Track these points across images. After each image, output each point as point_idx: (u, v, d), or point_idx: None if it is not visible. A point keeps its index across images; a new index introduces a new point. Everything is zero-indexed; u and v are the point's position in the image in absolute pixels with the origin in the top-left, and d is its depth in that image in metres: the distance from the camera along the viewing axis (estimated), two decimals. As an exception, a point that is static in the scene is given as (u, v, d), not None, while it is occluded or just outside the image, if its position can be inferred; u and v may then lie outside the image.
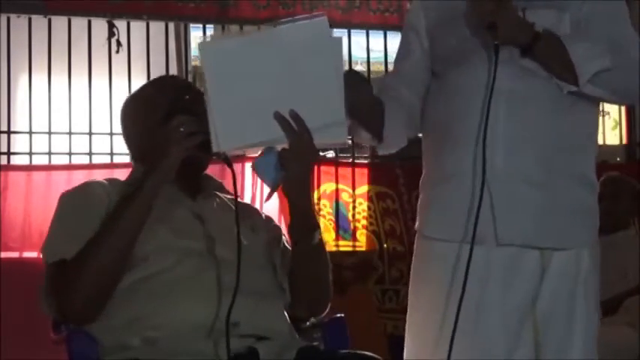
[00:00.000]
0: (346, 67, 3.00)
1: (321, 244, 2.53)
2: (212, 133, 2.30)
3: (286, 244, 2.60)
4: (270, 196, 2.50)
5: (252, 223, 2.58)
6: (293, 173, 2.39)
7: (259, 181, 5.74)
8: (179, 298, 2.32)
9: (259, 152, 2.41)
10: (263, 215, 2.69)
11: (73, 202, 2.47)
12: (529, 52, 2.60)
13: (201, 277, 2.35)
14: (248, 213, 2.63)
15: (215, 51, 2.34)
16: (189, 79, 6.21)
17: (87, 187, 2.51)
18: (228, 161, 2.38)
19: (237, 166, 5.64)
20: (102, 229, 2.32)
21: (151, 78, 5.72)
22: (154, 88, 2.66)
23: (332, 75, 2.36)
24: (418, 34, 2.83)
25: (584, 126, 2.74)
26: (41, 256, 2.41)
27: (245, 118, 2.33)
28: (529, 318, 2.65)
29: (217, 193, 2.59)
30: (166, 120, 2.38)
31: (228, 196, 2.62)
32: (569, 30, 2.65)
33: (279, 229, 2.65)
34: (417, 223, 2.84)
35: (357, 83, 2.59)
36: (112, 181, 2.54)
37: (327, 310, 2.62)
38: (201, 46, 2.34)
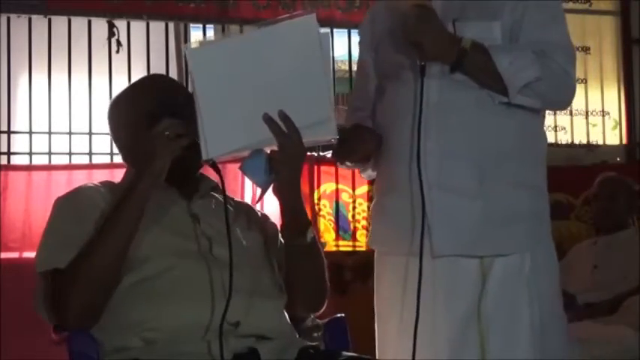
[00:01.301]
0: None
1: (314, 242, 2.52)
2: (201, 139, 2.30)
3: (282, 243, 2.60)
4: (260, 198, 2.51)
5: (248, 223, 2.58)
6: (283, 175, 2.40)
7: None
8: (178, 300, 2.32)
9: (247, 154, 2.40)
10: (259, 213, 2.69)
11: (66, 208, 2.46)
12: (457, 68, 2.63)
13: (200, 278, 2.35)
14: (244, 212, 2.63)
15: (202, 56, 2.33)
16: (190, 79, 6.21)
17: (80, 193, 2.49)
18: (215, 167, 2.38)
19: (236, 167, 5.65)
20: (94, 236, 2.32)
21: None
22: (135, 90, 2.64)
23: (320, 71, 2.35)
24: (367, 47, 2.88)
25: (521, 130, 2.75)
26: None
27: (233, 122, 2.32)
28: (473, 325, 2.66)
29: (213, 193, 2.59)
30: (152, 123, 2.37)
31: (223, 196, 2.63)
32: (501, 38, 2.68)
33: (275, 227, 2.65)
34: (369, 236, 2.94)
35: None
36: (107, 185, 2.53)
37: (325, 307, 2.62)
38: (189, 51, 2.33)
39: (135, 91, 2.64)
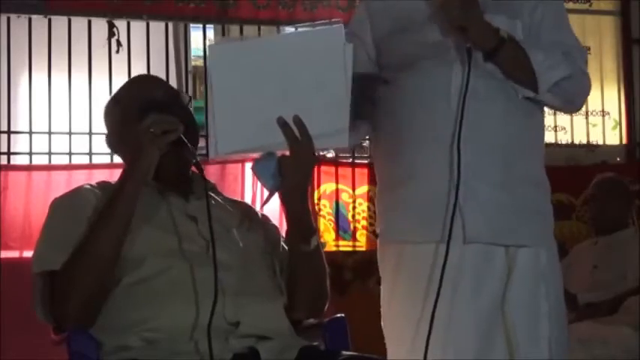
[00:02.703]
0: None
1: (318, 249, 2.52)
2: (211, 136, 2.30)
3: (284, 246, 2.60)
4: (267, 201, 2.50)
5: (247, 224, 2.58)
6: (292, 180, 2.40)
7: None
8: (176, 300, 2.31)
9: (259, 155, 2.40)
10: (259, 214, 2.69)
11: (62, 209, 2.46)
12: (492, 57, 2.63)
13: (197, 278, 2.35)
14: (244, 213, 2.62)
15: (223, 53, 2.34)
16: (190, 79, 6.23)
17: (77, 194, 2.49)
18: (198, 165, 2.40)
19: (236, 167, 5.67)
20: (86, 236, 2.31)
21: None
22: (123, 90, 2.65)
23: (341, 82, 2.36)
24: (364, 43, 2.84)
25: (533, 128, 2.80)
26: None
27: (246, 122, 2.32)
28: (499, 317, 2.67)
29: (211, 194, 2.58)
30: (139, 121, 2.36)
31: (222, 197, 2.63)
32: (522, 37, 2.69)
33: (277, 229, 2.65)
34: (380, 225, 2.86)
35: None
36: (103, 186, 2.52)
37: (325, 311, 2.62)
38: (211, 47, 2.33)
39: (122, 90, 2.64)
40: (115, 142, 2.60)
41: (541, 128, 2.86)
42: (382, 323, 2.84)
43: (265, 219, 2.67)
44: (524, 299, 2.69)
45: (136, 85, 2.66)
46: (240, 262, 2.39)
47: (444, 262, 2.55)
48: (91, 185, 2.52)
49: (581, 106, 2.92)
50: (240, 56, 2.33)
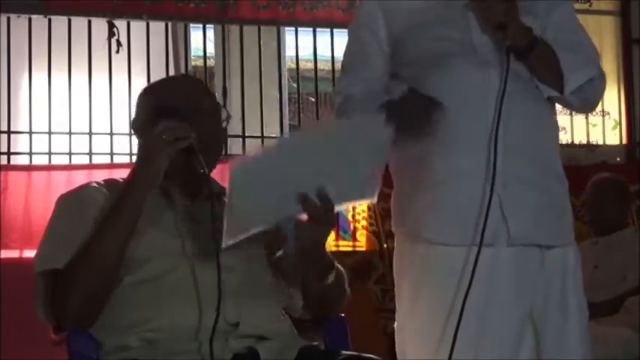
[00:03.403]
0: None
1: (336, 280, 2.53)
2: (224, 226, 2.27)
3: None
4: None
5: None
6: (309, 246, 2.42)
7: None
8: (178, 301, 2.32)
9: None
10: None
11: (67, 207, 2.46)
12: (524, 56, 2.62)
13: (200, 279, 2.35)
14: None
15: (244, 171, 2.30)
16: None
17: (83, 192, 2.49)
18: (206, 176, 2.39)
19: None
20: (91, 237, 2.31)
21: (151, 78, 5.75)
22: (145, 90, 2.64)
23: (375, 160, 2.39)
24: (377, 38, 2.82)
25: (555, 127, 2.81)
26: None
27: (261, 203, 2.29)
28: (529, 316, 2.67)
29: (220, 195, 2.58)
30: (153, 124, 2.37)
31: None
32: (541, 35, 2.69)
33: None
34: (406, 226, 2.80)
35: None
36: (109, 183, 2.52)
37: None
38: (233, 171, 2.28)
39: (145, 90, 2.64)
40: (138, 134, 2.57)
41: (557, 127, 2.86)
42: (397, 323, 2.82)
43: None
44: (553, 297, 2.69)
45: (190, 87, 2.61)
46: (242, 264, 2.40)
47: (474, 264, 2.54)
48: (98, 183, 2.51)
49: (596, 107, 2.93)
50: (263, 167, 2.31)
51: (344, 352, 2.44)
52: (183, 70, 6.21)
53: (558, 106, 2.84)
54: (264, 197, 2.28)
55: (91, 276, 2.28)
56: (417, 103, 2.61)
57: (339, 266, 2.55)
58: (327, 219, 2.35)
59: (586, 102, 2.79)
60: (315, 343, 2.47)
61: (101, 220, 2.32)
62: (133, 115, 2.61)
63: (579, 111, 2.96)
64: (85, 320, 2.32)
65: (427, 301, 2.73)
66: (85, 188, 2.51)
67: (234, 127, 6.34)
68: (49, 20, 5.84)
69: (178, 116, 2.39)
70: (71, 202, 2.46)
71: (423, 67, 2.73)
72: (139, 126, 2.54)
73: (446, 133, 2.67)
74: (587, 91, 2.72)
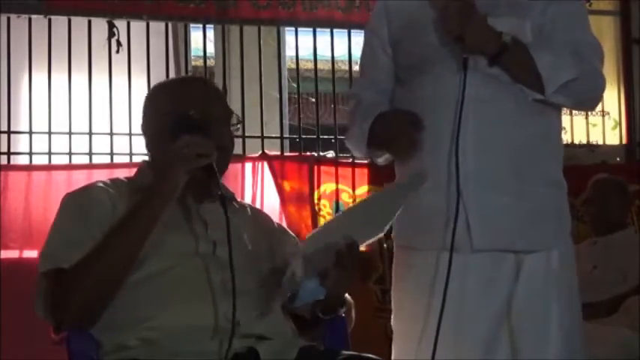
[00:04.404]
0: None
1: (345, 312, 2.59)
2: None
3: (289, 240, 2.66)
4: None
5: (255, 229, 2.58)
6: (337, 292, 2.47)
7: (259, 181, 5.76)
8: (177, 299, 2.32)
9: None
10: (276, 224, 2.72)
11: (74, 207, 2.45)
12: (496, 62, 2.63)
13: (200, 278, 2.35)
14: (254, 217, 2.64)
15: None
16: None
17: (90, 192, 2.48)
18: (222, 197, 2.36)
19: (237, 167, 5.67)
20: (103, 243, 2.30)
21: (151, 78, 5.75)
22: (168, 94, 2.59)
23: (400, 203, 2.54)
24: (381, 40, 2.85)
25: (548, 128, 2.77)
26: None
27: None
28: (505, 321, 2.67)
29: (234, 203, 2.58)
30: (174, 136, 2.34)
31: (239, 203, 2.65)
32: (531, 37, 2.68)
33: (295, 240, 2.68)
34: (395, 232, 2.86)
35: None
36: (116, 183, 2.52)
37: None
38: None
39: (167, 94, 2.59)
40: (150, 145, 2.58)
41: (556, 127, 2.84)
42: (392, 323, 2.85)
43: (281, 230, 2.71)
44: (532, 305, 2.68)
45: (201, 90, 2.58)
46: (244, 264, 2.39)
47: (447, 270, 2.55)
48: (104, 183, 2.51)
49: (597, 105, 2.90)
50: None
51: (344, 352, 2.44)
52: (183, 71, 6.21)
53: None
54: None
55: (98, 280, 2.28)
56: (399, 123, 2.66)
57: (349, 298, 2.58)
58: (355, 266, 2.44)
59: (578, 101, 2.77)
60: (315, 343, 2.48)
61: (116, 227, 2.31)
62: (140, 116, 2.61)
63: (576, 109, 2.95)
64: (86, 322, 2.32)
65: (405, 304, 2.79)
66: (91, 188, 2.51)
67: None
68: (49, 20, 5.83)
69: (192, 125, 2.37)
70: (77, 201, 2.46)
71: (410, 72, 2.78)
72: (153, 134, 2.54)
73: (419, 139, 2.70)
74: (577, 91, 2.69)
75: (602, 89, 2.80)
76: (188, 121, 2.42)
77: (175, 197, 2.34)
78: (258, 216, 2.70)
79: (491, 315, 2.66)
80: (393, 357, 2.79)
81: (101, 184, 2.51)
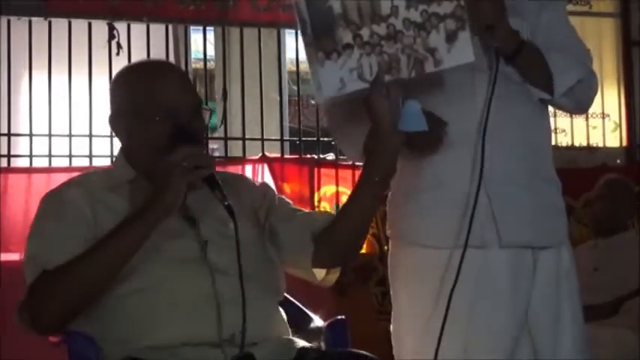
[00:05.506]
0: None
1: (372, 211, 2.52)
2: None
3: (285, 204, 2.61)
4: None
5: (244, 212, 2.48)
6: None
7: (259, 176, 5.75)
8: (173, 314, 2.29)
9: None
10: (256, 184, 2.67)
11: (54, 208, 2.40)
12: (513, 59, 2.63)
13: (195, 288, 2.31)
14: (239, 194, 2.52)
15: None
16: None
17: (67, 193, 2.42)
18: (229, 208, 2.31)
19: (237, 169, 5.67)
20: (91, 251, 2.26)
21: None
22: (142, 76, 2.51)
23: None
24: None
25: (546, 129, 2.81)
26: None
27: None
28: (525, 319, 2.67)
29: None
30: (170, 146, 2.29)
31: (225, 182, 2.43)
32: (529, 38, 2.69)
33: (274, 193, 2.62)
34: (398, 230, 2.80)
35: None
36: (88, 181, 2.46)
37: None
38: None
39: (139, 76, 2.51)
40: (117, 126, 2.51)
41: (550, 129, 2.87)
42: (393, 326, 2.81)
43: (264, 188, 2.65)
44: (547, 301, 2.69)
45: (161, 80, 2.47)
46: (235, 264, 2.32)
47: (458, 266, 2.53)
48: (76, 186, 2.45)
49: (589, 108, 2.91)
50: None
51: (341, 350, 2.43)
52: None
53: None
54: None
55: (84, 283, 2.25)
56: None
57: None
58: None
59: (578, 103, 2.77)
60: (315, 344, 2.47)
61: (107, 236, 2.27)
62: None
63: (573, 112, 2.96)
64: (61, 325, 2.29)
65: (418, 303, 2.73)
66: (65, 191, 2.44)
67: (234, 130, 6.35)
68: (50, 22, 5.83)
69: (187, 135, 2.33)
70: (56, 202, 2.40)
71: None
72: (129, 123, 2.46)
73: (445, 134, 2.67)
74: (578, 93, 2.71)
75: (597, 92, 2.82)
76: (183, 131, 2.36)
77: (174, 211, 2.30)
78: (239, 189, 2.56)
79: (519, 312, 2.66)
80: (401, 357, 2.77)
81: (75, 185, 2.46)
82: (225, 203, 2.31)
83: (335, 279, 2.59)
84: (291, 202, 2.68)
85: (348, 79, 2.40)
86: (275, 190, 2.70)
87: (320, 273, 2.56)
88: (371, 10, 2.38)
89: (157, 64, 2.74)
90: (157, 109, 2.40)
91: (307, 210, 2.73)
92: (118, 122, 2.51)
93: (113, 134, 5.52)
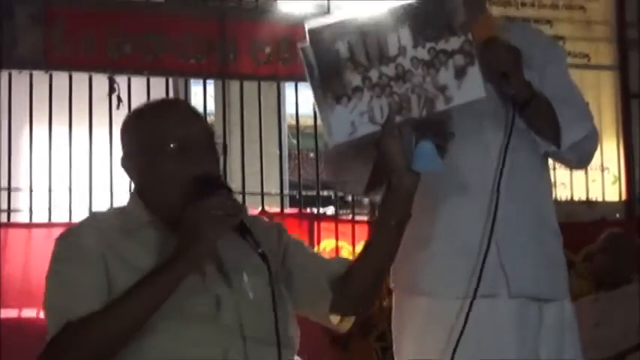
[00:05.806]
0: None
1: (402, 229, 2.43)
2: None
3: (300, 247, 2.52)
4: None
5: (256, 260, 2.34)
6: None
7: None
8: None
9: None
10: (266, 223, 2.56)
11: (69, 253, 2.32)
12: (523, 109, 2.62)
13: (209, 355, 2.24)
14: (272, 242, 2.45)
15: None
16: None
17: (83, 239, 2.33)
18: (263, 256, 2.22)
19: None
20: (116, 305, 2.19)
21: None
22: (154, 114, 2.42)
23: None
24: None
25: (548, 180, 2.82)
26: (43, 313, 2.30)
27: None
28: None
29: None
30: (198, 193, 2.21)
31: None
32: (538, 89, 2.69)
33: (285, 235, 2.53)
34: (406, 280, 2.77)
35: None
36: (105, 225, 2.36)
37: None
38: None
39: (151, 114, 2.43)
40: (129, 166, 2.40)
41: (551, 182, 2.88)
42: None
43: (278, 232, 2.53)
44: (552, 353, 2.67)
45: (166, 114, 2.39)
46: (247, 323, 2.28)
47: (466, 316, 2.52)
48: (92, 227, 2.36)
49: (590, 163, 2.91)
50: None
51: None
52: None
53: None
54: None
55: (105, 342, 2.18)
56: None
57: None
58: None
59: (582, 157, 2.78)
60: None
61: (132, 288, 2.18)
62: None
63: (575, 167, 2.96)
64: None
65: (427, 354, 2.69)
66: (84, 232, 2.36)
67: (234, 183, 6.34)
68: (50, 76, 5.85)
69: (218, 186, 2.25)
70: (74, 246, 2.33)
71: None
72: (132, 163, 2.38)
73: (446, 187, 2.66)
74: (583, 147, 2.71)
75: (597, 148, 2.82)
76: (207, 178, 2.27)
77: (205, 263, 2.24)
78: (267, 238, 2.45)
79: None
80: None
81: (91, 227, 2.37)
82: (260, 251, 2.22)
83: (349, 325, 2.52)
84: (303, 242, 2.61)
85: (359, 123, 2.37)
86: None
87: (335, 319, 2.49)
88: (378, 51, 2.34)
89: (163, 100, 2.69)
90: (164, 140, 2.31)
91: (320, 254, 2.68)
92: (129, 162, 2.40)
93: (112, 187, 5.57)
